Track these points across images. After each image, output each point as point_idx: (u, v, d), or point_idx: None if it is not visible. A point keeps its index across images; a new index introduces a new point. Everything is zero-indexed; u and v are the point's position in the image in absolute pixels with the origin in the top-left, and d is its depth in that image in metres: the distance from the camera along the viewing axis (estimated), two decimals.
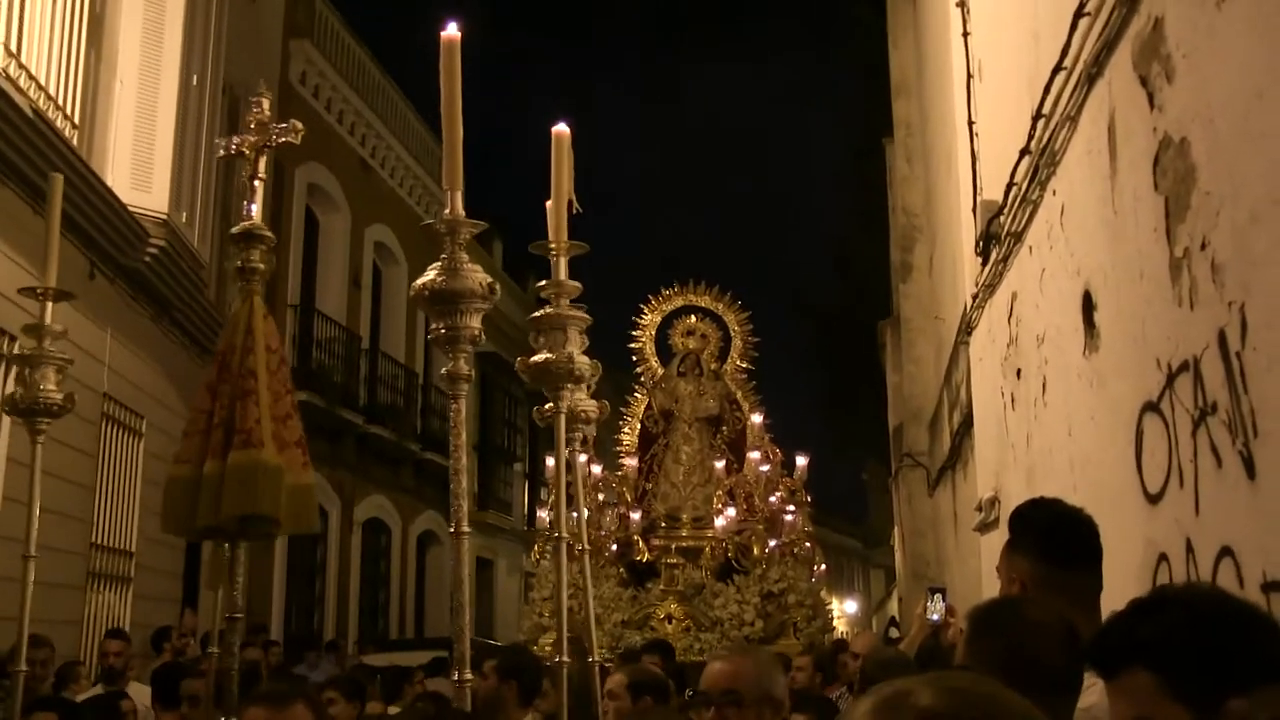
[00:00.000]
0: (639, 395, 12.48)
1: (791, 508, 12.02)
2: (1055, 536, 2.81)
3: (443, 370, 2.84)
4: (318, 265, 18.18)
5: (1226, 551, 2.75)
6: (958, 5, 6.71)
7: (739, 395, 12.61)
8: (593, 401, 3.67)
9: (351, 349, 18.38)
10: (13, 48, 8.76)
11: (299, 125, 3.98)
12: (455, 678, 2.64)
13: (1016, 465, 5.49)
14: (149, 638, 10.48)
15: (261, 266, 3.93)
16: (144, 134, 10.96)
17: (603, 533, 11.30)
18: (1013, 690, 1.22)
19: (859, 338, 22.06)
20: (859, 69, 18.85)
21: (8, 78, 8.56)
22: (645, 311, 12.57)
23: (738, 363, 12.64)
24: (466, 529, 2.67)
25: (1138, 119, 3.23)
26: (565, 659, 3.40)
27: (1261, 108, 2.38)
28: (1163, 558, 3.23)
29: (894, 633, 11.23)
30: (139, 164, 10.86)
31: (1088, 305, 3.91)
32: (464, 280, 2.83)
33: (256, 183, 4.02)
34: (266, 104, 4.10)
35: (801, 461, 12.16)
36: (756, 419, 12.35)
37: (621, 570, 11.24)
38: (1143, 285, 3.26)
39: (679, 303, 12.63)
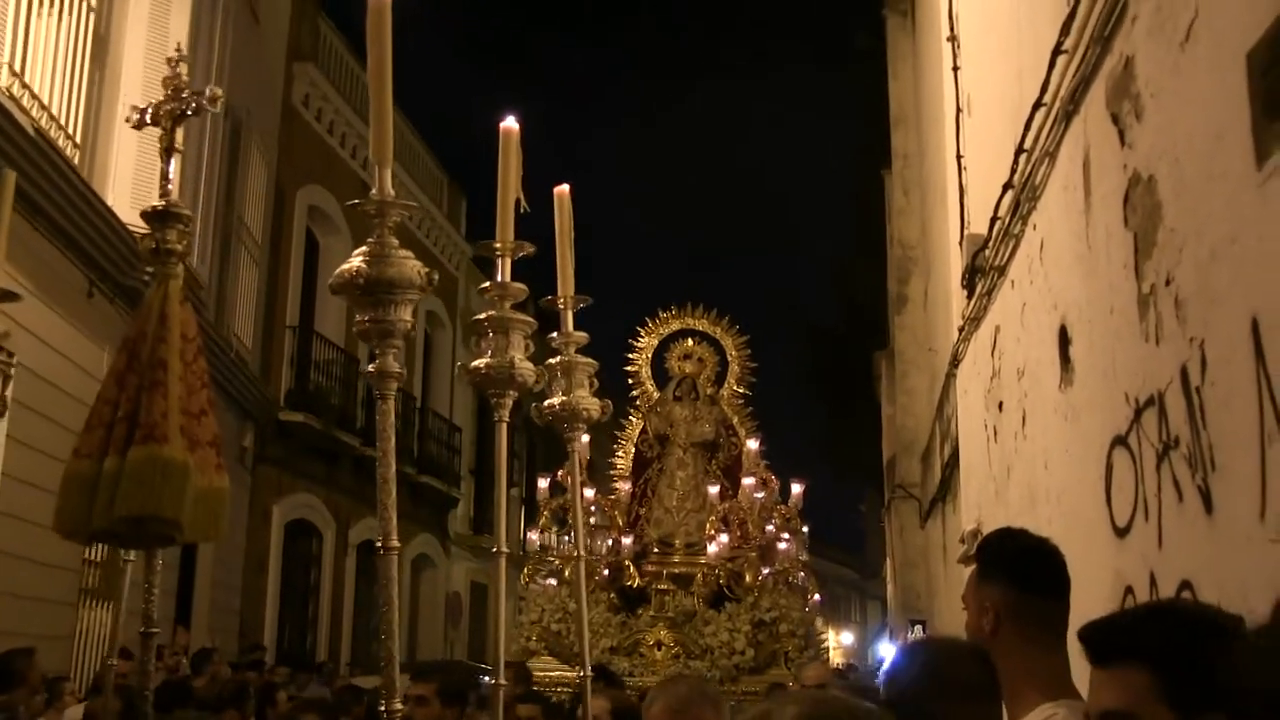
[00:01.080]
0: (634, 419, 12.35)
1: (786, 535, 11.91)
2: (1027, 565, 2.85)
3: (369, 367, 2.58)
4: (317, 287, 18.25)
5: (1186, 585, 2.78)
6: (948, 39, 6.77)
7: (735, 420, 12.47)
8: (595, 400, 3.46)
9: (350, 371, 18.42)
10: (16, 67, 8.84)
11: (217, 91, 3.84)
12: (383, 708, 2.46)
13: (998, 498, 5.52)
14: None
15: (179, 247, 3.65)
16: (146, 154, 11.01)
17: (594, 557, 11.20)
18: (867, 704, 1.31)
19: (858, 368, 22.11)
20: (860, 98, 18.96)
21: (11, 97, 8.64)
22: (642, 334, 12.42)
23: (734, 387, 12.50)
24: (395, 544, 2.49)
25: (1110, 155, 3.28)
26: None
27: (1221, 148, 2.42)
28: (1129, 590, 3.26)
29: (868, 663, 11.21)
30: (140, 184, 10.91)
31: (1064, 339, 3.96)
32: (396, 268, 2.53)
33: (172, 155, 3.84)
34: (185, 68, 3.93)
35: (797, 489, 12.03)
36: (752, 445, 12.20)
37: (612, 596, 11.14)
38: (1113, 320, 3.30)
39: (676, 326, 12.47)
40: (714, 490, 11.84)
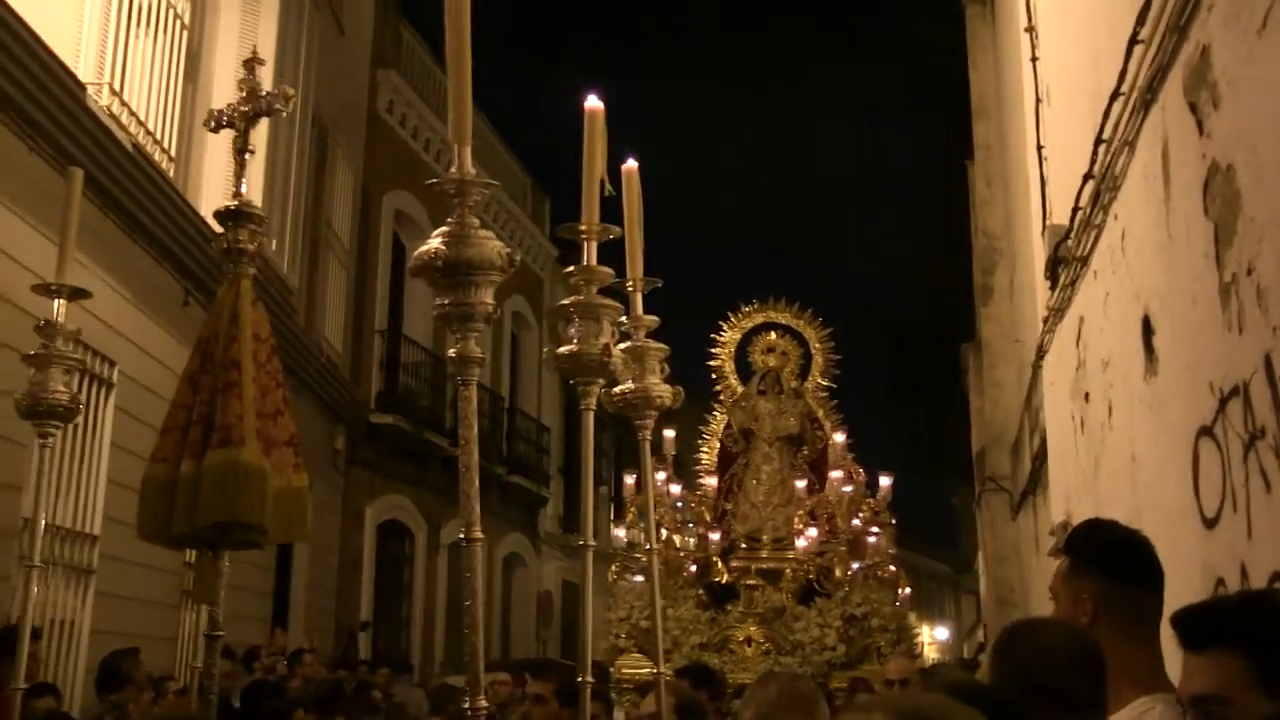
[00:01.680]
0: (718, 414, 12.30)
1: (875, 529, 11.79)
2: (1121, 556, 2.84)
3: (450, 352, 2.48)
4: (404, 291, 18.53)
5: (1277, 576, 2.76)
6: (1026, 30, 6.73)
7: (820, 414, 12.34)
8: (666, 386, 3.35)
9: (438, 374, 18.67)
10: (115, 86, 9.10)
11: (290, 91, 3.82)
12: (467, 706, 2.37)
13: (1086, 489, 5.48)
14: (240, 656, 10.77)
15: (251, 247, 3.63)
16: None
17: (681, 553, 11.20)
18: (968, 707, 1.31)
19: (946, 360, 21.95)
20: (942, 90, 18.81)
21: (111, 115, 8.90)
22: (725, 329, 12.40)
23: (819, 380, 12.37)
24: (479, 534, 2.41)
25: (1189, 145, 3.26)
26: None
27: None
28: (1220, 582, 3.24)
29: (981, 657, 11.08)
30: (229, 195, 11.20)
31: (1147, 330, 3.93)
32: (476, 248, 2.42)
33: (246, 155, 3.82)
34: (260, 70, 3.91)
35: (885, 482, 11.88)
36: (839, 438, 12.07)
37: (700, 592, 11.14)
38: (1195, 310, 3.28)
39: (759, 319, 12.44)
40: (801, 484, 11.75)
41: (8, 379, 7.73)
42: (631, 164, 3.43)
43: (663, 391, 3.36)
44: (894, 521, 12.09)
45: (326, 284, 14.90)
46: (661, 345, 3.42)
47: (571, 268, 3.00)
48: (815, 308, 12.41)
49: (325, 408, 15.07)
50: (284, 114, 3.87)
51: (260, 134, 11.53)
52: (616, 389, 3.38)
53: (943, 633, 50.40)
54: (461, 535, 2.45)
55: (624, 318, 3.37)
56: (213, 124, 4.09)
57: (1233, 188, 2.90)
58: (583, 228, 3.00)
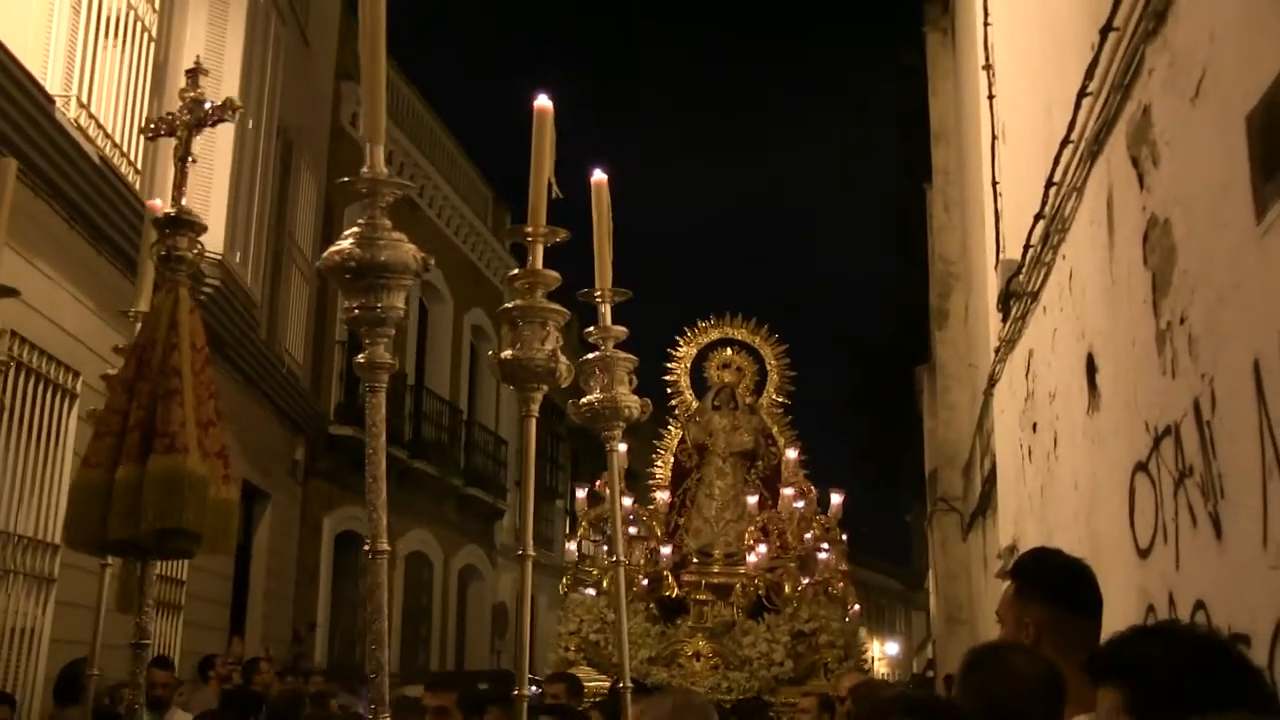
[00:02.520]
0: (672, 428, 12.25)
1: (825, 546, 11.85)
2: (1064, 584, 3.01)
3: (358, 358, 2.42)
4: None
5: (1200, 605, 2.95)
6: (984, 68, 6.94)
7: (774, 430, 12.34)
8: (635, 397, 3.30)
9: (397, 385, 18.73)
10: (83, 99, 9.16)
11: (236, 102, 3.73)
12: None
13: (1033, 514, 5.68)
14: (196, 665, 10.80)
15: (189, 255, 3.54)
16: (201, 178, 11.34)
17: (633, 567, 11.21)
18: None
19: (904, 378, 22.17)
20: (904, 112, 19.07)
21: (78, 128, 8.96)
22: (681, 344, 12.40)
23: (774, 396, 12.37)
24: (385, 547, 2.34)
25: (1131, 196, 3.45)
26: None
27: (1226, 200, 2.59)
28: (1150, 609, 3.43)
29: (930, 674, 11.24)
30: (195, 207, 11.19)
31: (1091, 367, 4.12)
32: (390, 251, 2.36)
33: (187, 163, 3.68)
34: (218, 81, 3.89)
35: (836, 500, 11.84)
36: (792, 454, 12.07)
37: (651, 606, 11.16)
38: (1134, 352, 3.47)
39: (715, 335, 12.42)
40: (753, 500, 11.80)
41: None
42: (600, 176, 3.39)
43: (631, 403, 3.32)
44: (844, 539, 12.16)
45: (289, 296, 14.96)
46: (630, 356, 3.38)
47: (516, 270, 2.95)
48: (772, 323, 12.49)
49: (285, 419, 15.10)
50: (230, 124, 3.86)
51: (224, 146, 11.71)
52: (584, 399, 3.36)
53: (893, 648, 50.77)
54: (378, 548, 2.34)
55: (592, 328, 3.38)
56: (152, 132, 3.92)
57: (1169, 241, 3.09)
58: (528, 229, 2.95)
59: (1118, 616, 3.60)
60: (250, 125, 12.22)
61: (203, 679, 10.37)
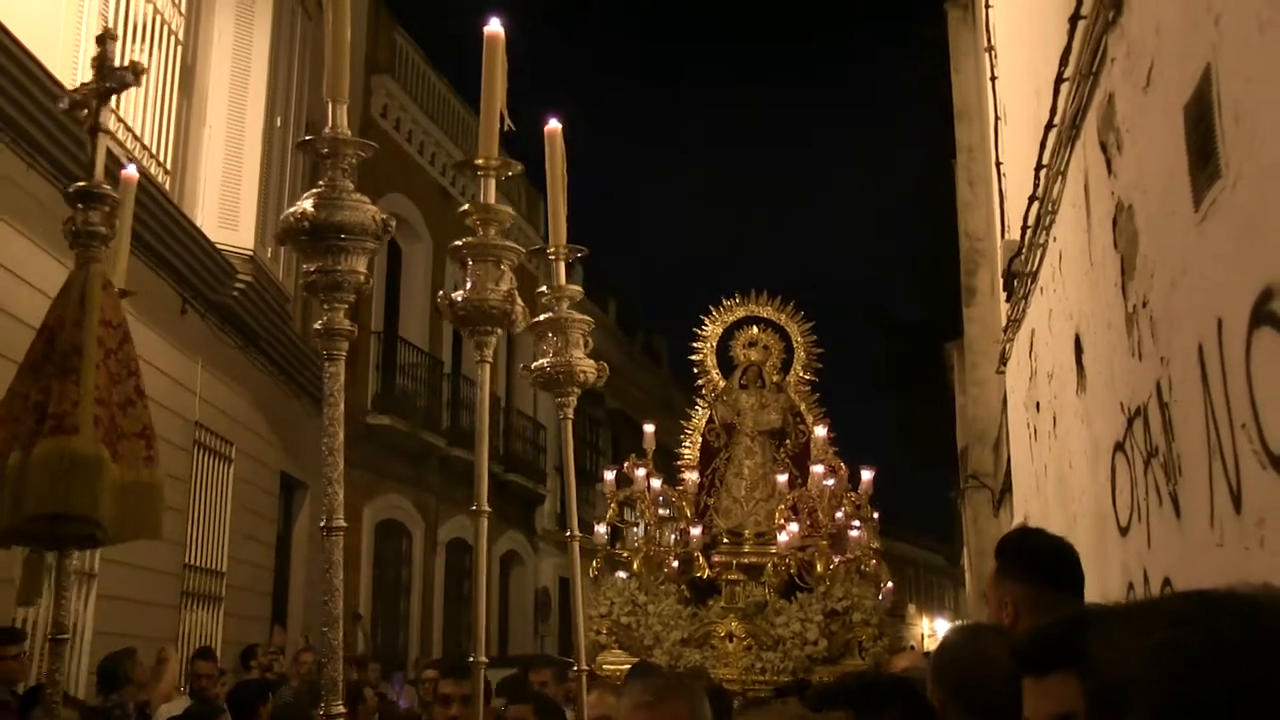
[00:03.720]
0: (700, 408, 12.10)
1: (856, 523, 11.79)
2: (1044, 563, 3.09)
3: (316, 324, 2.27)
4: (400, 293, 18.78)
5: (1167, 581, 3.02)
6: (986, 50, 6.97)
7: (803, 408, 12.28)
8: (591, 361, 3.13)
9: (434, 375, 18.93)
10: (111, 103, 9.35)
11: (142, 65, 3.49)
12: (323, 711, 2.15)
13: (1038, 493, 5.74)
14: (239, 655, 11.05)
15: (102, 229, 3.39)
16: (231, 175, 11.57)
17: (662, 548, 11.24)
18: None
19: (940, 356, 22.12)
20: (926, 90, 19.00)
21: (107, 130, 9.15)
22: (706, 323, 12.19)
23: (801, 374, 12.29)
24: (341, 523, 2.26)
25: (1101, 181, 3.51)
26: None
27: (1174, 188, 2.66)
28: (1130, 586, 3.50)
29: None
30: (226, 204, 11.47)
31: (1078, 348, 4.18)
32: (349, 212, 2.21)
33: (100, 134, 3.51)
34: (114, 45, 3.68)
35: (867, 476, 11.75)
36: (821, 432, 12.03)
37: (682, 587, 11.19)
38: (1110, 334, 3.54)
39: (741, 313, 12.16)
40: (783, 479, 11.78)
41: None
42: (554, 125, 3.21)
43: (587, 366, 3.15)
44: (875, 516, 12.08)
45: None
46: (584, 317, 3.21)
47: (466, 205, 2.73)
48: (807, 299, 12.40)
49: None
50: (135, 84, 3.76)
51: (253, 145, 11.86)
52: (535, 364, 3.20)
53: (942, 625, 50.66)
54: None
55: (544, 288, 3.22)
56: (65, 105, 4.02)
57: (1133, 226, 3.15)
58: (478, 162, 2.74)
59: (1107, 592, 3.69)
60: (279, 123, 12.41)
61: (244, 668, 10.62)
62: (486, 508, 2.73)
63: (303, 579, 14.82)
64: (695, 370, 12.27)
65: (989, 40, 6.93)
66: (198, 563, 11.45)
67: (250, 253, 11.52)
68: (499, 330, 2.71)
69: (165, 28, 10.56)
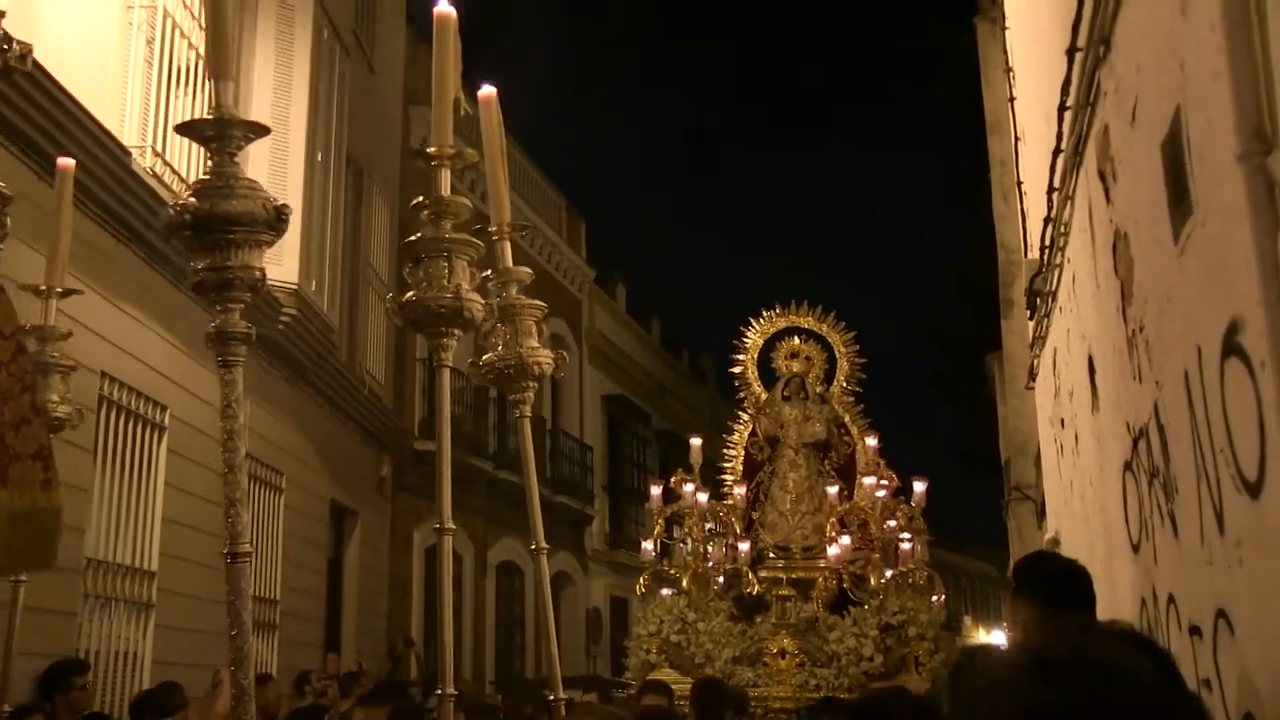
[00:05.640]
0: (742, 421, 12.09)
1: (907, 535, 11.57)
2: (1053, 584, 3.21)
3: (210, 327, 2.06)
4: None
5: (1171, 600, 3.12)
6: (1005, 71, 7.07)
7: (847, 419, 12.05)
8: (546, 352, 2.90)
9: (480, 399, 19.15)
10: (158, 148, 9.64)
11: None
12: None
13: (1065, 509, 5.82)
14: (293, 681, 11.28)
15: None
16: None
17: (710, 564, 11.14)
18: None
19: (982, 366, 22.08)
20: (959, 102, 19.01)
21: (154, 175, 9.44)
22: (746, 335, 12.20)
23: (844, 385, 12.09)
24: (246, 548, 2.01)
25: (1102, 208, 3.61)
26: (448, 693, 2.79)
27: (1158, 219, 2.77)
28: (1142, 602, 3.59)
29: None
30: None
31: (1091, 368, 4.28)
32: (237, 201, 1.97)
33: None
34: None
35: (920, 487, 11.48)
36: (871, 442, 11.73)
37: (730, 604, 11.07)
38: (1115, 356, 3.64)
39: (782, 324, 12.21)
40: (833, 491, 11.53)
41: (76, 432, 8.30)
42: (488, 90, 2.96)
43: (541, 357, 2.89)
44: (926, 528, 11.85)
45: (367, 318, 15.42)
46: (538, 302, 2.94)
47: (421, 198, 2.53)
48: (860, 311, 12.36)
49: (370, 437, 15.58)
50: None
51: (295, 181, 12.14)
52: (485, 358, 2.94)
53: (999, 636, 50.22)
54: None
55: (489, 271, 2.89)
56: None
57: (1129, 254, 3.26)
58: (431, 150, 2.54)
59: (1124, 609, 3.79)
60: (319, 157, 12.67)
61: (299, 694, 10.84)
62: (450, 526, 2.65)
63: (355, 605, 15.05)
64: (736, 383, 12.18)
65: (1007, 61, 7.03)
66: (252, 591, 11.67)
67: (295, 287, 11.76)
68: (456, 331, 2.51)
69: (207, 71, 10.83)
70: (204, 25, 2.31)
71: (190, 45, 10.51)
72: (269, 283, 8.56)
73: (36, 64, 7.63)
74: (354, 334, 15.03)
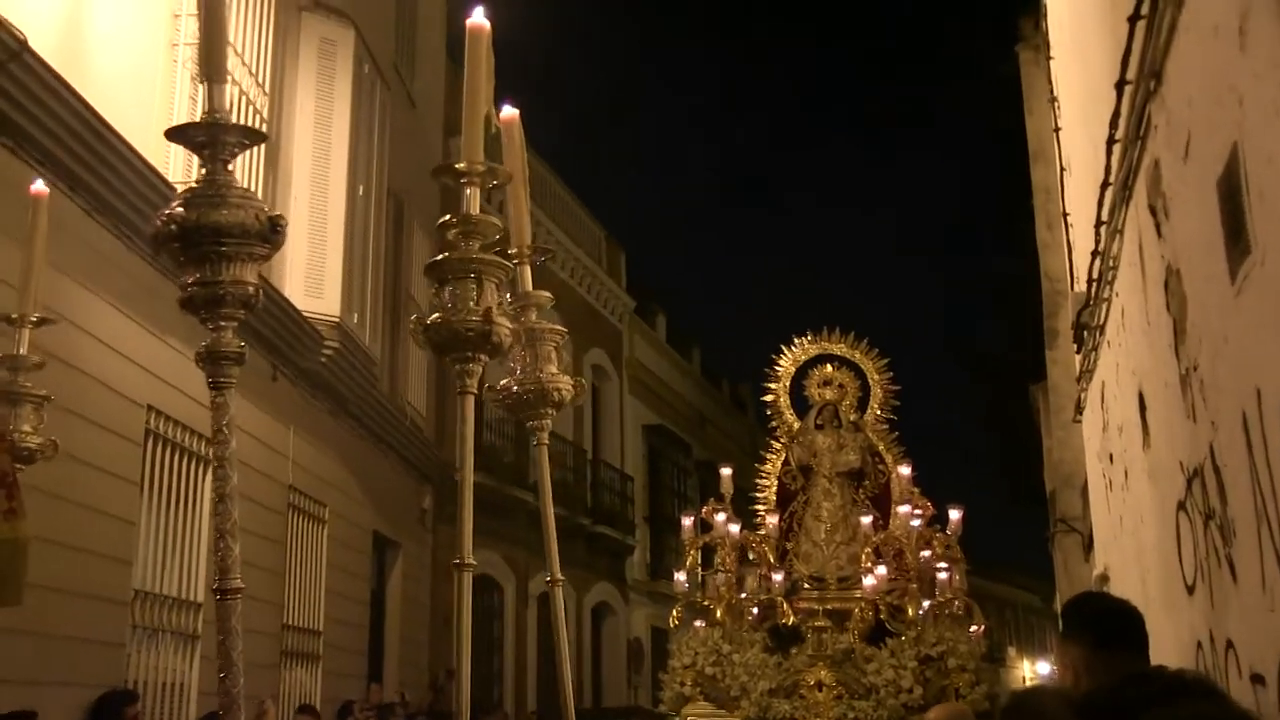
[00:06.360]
0: (775, 450, 11.78)
1: (943, 565, 11.39)
2: (1103, 625, 3.13)
3: (201, 345, 1.96)
4: None
5: (1230, 645, 3.04)
6: (1049, 101, 7.01)
7: (881, 447, 11.77)
8: (566, 377, 2.80)
9: (521, 430, 19.14)
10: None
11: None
12: None
13: (1114, 544, 5.73)
14: (335, 711, 11.28)
15: None
16: (316, 244, 11.91)
17: (744, 595, 11.01)
18: None
19: (1025, 394, 21.90)
20: (1001, 129, 18.94)
21: None
22: (778, 362, 11.91)
23: (878, 412, 11.75)
24: (236, 583, 1.91)
25: (1153, 244, 3.56)
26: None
27: (1212, 257, 2.72)
28: (1199, 645, 3.51)
29: None
30: (312, 272, 11.80)
31: (1142, 404, 4.21)
32: (228, 211, 1.88)
33: None
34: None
35: (955, 515, 10.98)
36: (905, 471, 11.41)
37: (765, 636, 10.92)
38: (1167, 393, 3.57)
39: (814, 351, 11.89)
40: (867, 520, 11.37)
41: (121, 464, 8.38)
42: (511, 111, 2.87)
43: (561, 383, 2.80)
44: (963, 556, 11.66)
45: (408, 350, 15.48)
46: (558, 327, 2.86)
47: (448, 216, 2.41)
48: (898, 338, 12.22)
49: (412, 469, 15.61)
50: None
51: (337, 214, 12.20)
52: (502, 382, 2.86)
53: (1044, 667, 49.55)
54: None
55: (508, 295, 2.72)
56: None
57: (1182, 290, 3.20)
58: (460, 167, 2.42)
59: (1176, 652, 3.70)
60: (360, 191, 12.76)
61: None
62: (471, 560, 2.41)
63: (397, 636, 15.05)
64: (768, 412, 12.02)
65: (1052, 91, 6.97)
66: (295, 622, 11.70)
67: (337, 319, 11.82)
68: (482, 357, 2.35)
69: (250, 107, 10.93)
70: (230, 37, 2.18)
71: (234, 81, 10.62)
72: (310, 315, 8.64)
73: (63, 81, 7.72)
74: (395, 366, 15.08)
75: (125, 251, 8.61)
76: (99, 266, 8.31)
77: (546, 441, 2.84)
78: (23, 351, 3.13)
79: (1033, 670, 46.94)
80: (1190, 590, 3.56)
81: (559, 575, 2.94)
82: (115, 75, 8.72)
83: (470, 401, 2.41)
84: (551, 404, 2.78)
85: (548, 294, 2.80)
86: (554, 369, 2.78)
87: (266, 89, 11.35)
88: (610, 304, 24.34)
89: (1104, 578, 6.39)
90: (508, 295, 2.66)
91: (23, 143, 7.36)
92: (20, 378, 3.08)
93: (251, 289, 1.94)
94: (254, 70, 11.08)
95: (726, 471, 11.39)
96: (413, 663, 15.55)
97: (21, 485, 2.89)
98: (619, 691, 22.77)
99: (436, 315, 2.32)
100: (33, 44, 7.12)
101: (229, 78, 2.03)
